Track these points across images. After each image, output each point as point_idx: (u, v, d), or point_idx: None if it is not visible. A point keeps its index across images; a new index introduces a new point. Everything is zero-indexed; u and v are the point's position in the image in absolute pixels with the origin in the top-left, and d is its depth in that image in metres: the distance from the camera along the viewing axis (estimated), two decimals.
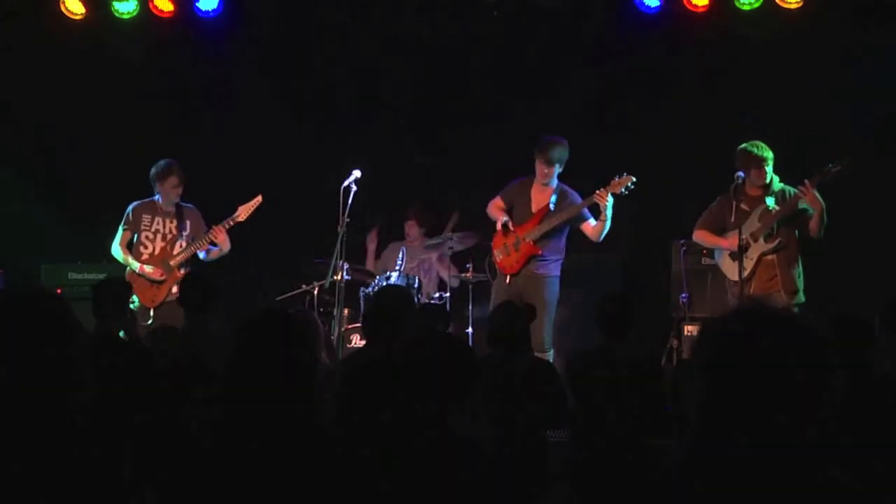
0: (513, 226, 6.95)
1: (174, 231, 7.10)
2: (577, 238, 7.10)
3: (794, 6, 7.64)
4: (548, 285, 6.86)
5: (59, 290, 7.08)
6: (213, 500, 2.40)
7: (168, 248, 7.05)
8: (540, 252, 6.85)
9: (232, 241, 7.17)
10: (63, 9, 8.36)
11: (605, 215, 6.73)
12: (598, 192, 6.73)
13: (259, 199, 7.07)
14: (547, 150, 6.87)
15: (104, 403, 2.29)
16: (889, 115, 7.46)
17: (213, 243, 7.06)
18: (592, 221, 6.87)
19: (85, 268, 7.75)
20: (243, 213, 7.06)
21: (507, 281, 6.90)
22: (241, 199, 7.17)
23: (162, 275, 6.96)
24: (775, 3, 7.67)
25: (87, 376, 2.19)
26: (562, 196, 6.96)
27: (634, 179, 6.71)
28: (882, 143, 7.43)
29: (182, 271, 6.94)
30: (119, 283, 5.40)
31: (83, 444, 2.11)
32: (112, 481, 2.12)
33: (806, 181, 6.15)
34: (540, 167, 6.93)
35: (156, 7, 8.32)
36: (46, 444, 2.07)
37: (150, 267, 6.97)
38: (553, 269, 6.91)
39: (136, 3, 8.32)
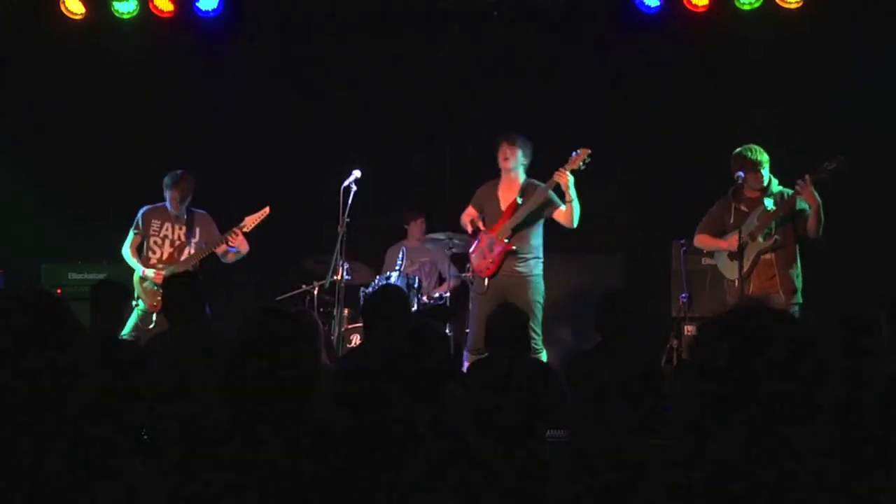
0: (485, 228, 6.82)
1: (182, 238, 7.09)
2: (576, 238, 7.08)
3: (794, 6, 7.64)
4: (531, 285, 6.66)
5: (59, 290, 7.10)
6: (213, 500, 2.40)
7: (175, 254, 7.05)
8: (513, 248, 6.69)
9: None
10: (63, 9, 8.36)
11: (570, 195, 6.59)
12: (557, 171, 6.60)
13: (267, 210, 7.03)
14: (511, 137, 6.78)
15: (104, 403, 2.29)
16: (889, 115, 7.47)
17: (229, 245, 7.03)
18: (563, 207, 6.70)
19: (85, 268, 7.76)
20: (250, 223, 7.02)
21: (486, 284, 6.72)
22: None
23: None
24: (775, 3, 7.68)
25: (86, 376, 2.19)
26: (529, 188, 6.80)
27: (590, 152, 6.58)
28: (882, 143, 7.43)
29: None
30: (115, 286, 5.37)
31: (82, 444, 2.11)
32: (111, 481, 2.12)
33: (806, 176, 6.15)
34: (502, 152, 6.78)
35: (156, 7, 8.33)
36: (46, 444, 2.07)
37: (151, 271, 6.97)
38: (534, 268, 6.72)
39: (136, 3, 8.32)
